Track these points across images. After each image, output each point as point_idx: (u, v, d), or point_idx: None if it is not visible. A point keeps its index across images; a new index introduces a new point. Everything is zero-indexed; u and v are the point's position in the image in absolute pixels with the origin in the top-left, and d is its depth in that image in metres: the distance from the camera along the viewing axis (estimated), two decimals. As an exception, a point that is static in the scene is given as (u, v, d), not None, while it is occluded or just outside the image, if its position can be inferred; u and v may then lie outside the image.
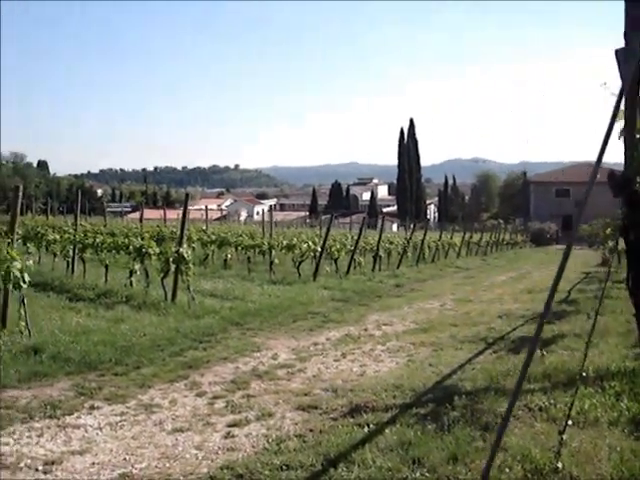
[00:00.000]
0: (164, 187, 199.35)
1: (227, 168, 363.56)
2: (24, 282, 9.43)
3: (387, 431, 6.06)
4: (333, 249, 21.53)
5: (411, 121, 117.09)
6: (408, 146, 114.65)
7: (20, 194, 10.10)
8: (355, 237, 24.92)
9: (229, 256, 21.71)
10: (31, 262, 9.78)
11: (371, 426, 6.24)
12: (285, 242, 20.83)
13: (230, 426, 6.44)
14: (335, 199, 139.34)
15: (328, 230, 20.89)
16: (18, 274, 9.36)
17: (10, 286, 9.52)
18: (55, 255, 18.03)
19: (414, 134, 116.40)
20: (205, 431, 6.30)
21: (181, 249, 13.13)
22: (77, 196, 17.25)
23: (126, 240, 15.15)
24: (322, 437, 5.98)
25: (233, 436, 6.15)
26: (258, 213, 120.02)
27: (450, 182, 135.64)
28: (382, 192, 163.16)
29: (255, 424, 6.52)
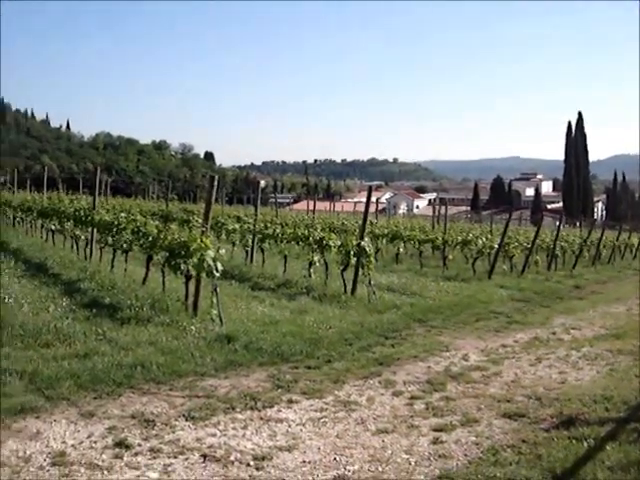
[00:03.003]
0: (323, 179, 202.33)
1: (385, 161, 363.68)
2: (217, 271, 9.56)
3: (609, 448, 5.59)
4: (511, 246, 20.83)
5: (579, 114, 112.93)
6: (576, 140, 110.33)
7: (215, 184, 10.23)
8: (522, 234, 24.03)
9: (401, 250, 21.44)
10: (223, 251, 9.89)
11: (589, 440, 5.78)
12: (460, 238, 20.34)
13: (436, 430, 6.15)
14: (496, 194, 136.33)
15: (506, 227, 20.25)
16: (211, 263, 9.51)
17: (203, 274, 9.69)
18: (234, 244, 18.42)
19: (582, 128, 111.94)
20: (411, 434, 6.05)
21: (362, 242, 12.99)
22: (257, 187, 17.54)
23: (306, 231, 15.20)
24: (539, 450, 5.59)
25: (442, 442, 5.86)
26: (418, 207, 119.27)
27: (619, 179, 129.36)
28: (546, 188, 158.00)
29: (462, 430, 6.20)
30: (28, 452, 5.21)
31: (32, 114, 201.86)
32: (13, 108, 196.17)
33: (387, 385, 7.66)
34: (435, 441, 5.87)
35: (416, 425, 6.30)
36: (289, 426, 6.14)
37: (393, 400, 7.12)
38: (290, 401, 6.86)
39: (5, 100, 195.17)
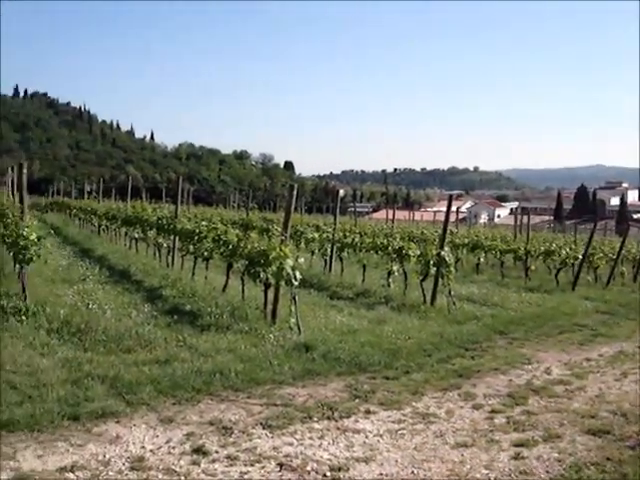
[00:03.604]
0: (403, 188, 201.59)
1: (466, 170, 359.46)
2: (295, 279, 9.57)
3: None
4: (595, 257, 20.27)
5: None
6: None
7: (294, 193, 10.26)
8: (606, 244, 23.33)
9: (481, 260, 21.12)
10: (302, 260, 9.90)
11: (680, 462, 5.53)
12: (542, 248, 19.90)
13: (517, 446, 5.97)
14: (580, 203, 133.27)
15: (591, 237, 19.69)
16: (290, 271, 9.53)
17: (282, 283, 9.72)
18: (313, 253, 18.47)
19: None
20: (491, 449, 5.89)
21: (442, 252, 12.83)
22: (336, 196, 17.55)
23: (385, 241, 15.12)
24: (624, 468, 5.39)
25: (523, 457, 5.68)
26: (499, 216, 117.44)
27: None
28: (632, 197, 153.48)
29: (543, 446, 6.01)
30: (108, 456, 5.29)
31: (117, 125, 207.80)
32: (99, 119, 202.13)
33: (467, 398, 7.50)
34: (516, 457, 5.71)
35: (496, 440, 6.14)
36: (366, 437, 6.07)
37: (473, 413, 6.97)
38: (368, 412, 6.79)
39: (92, 111, 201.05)
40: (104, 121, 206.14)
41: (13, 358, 7.42)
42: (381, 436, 6.11)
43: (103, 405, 6.30)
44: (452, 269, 12.99)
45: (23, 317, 9.40)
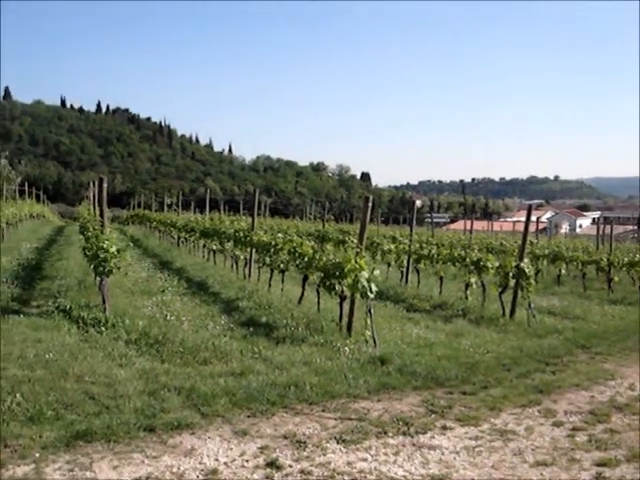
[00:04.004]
0: (481, 198, 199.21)
1: (546, 179, 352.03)
2: (371, 292, 9.49)
3: None
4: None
5: None
6: None
7: (370, 205, 10.19)
8: None
9: (562, 271, 20.61)
10: (378, 272, 9.81)
11: None
12: (626, 259, 19.30)
13: (599, 465, 5.74)
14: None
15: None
16: (365, 284, 9.45)
17: (358, 295, 9.65)
18: (389, 265, 18.35)
19: None
20: (571, 468, 5.68)
21: (522, 263, 12.56)
22: (412, 207, 17.40)
23: (463, 252, 14.90)
24: None
25: (605, 477, 5.47)
26: (581, 226, 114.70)
27: None
28: None
29: (627, 466, 5.76)
30: (182, 468, 5.31)
31: (197, 139, 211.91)
32: (179, 134, 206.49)
33: (547, 414, 7.27)
34: (598, 476, 5.49)
35: (577, 459, 5.91)
36: (442, 454, 5.94)
37: (553, 431, 6.74)
38: (444, 427, 6.65)
39: (172, 126, 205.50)
40: (183, 135, 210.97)
41: (92, 369, 7.54)
42: (458, 453, 5.97)
43: (178, 416, 6.35)
44: (532, 281, 12.68)
45: (103, 328, 9.60)
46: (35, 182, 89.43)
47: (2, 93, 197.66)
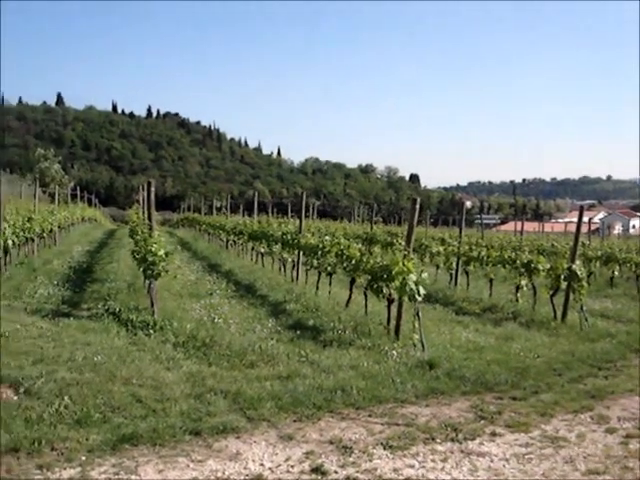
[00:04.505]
0: (532, 199, 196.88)
1: (598, 179, 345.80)
2: (419, 295, 9.38)
3: None
4: None
5: None
6: None
7: (417, 207, 10.09)
8: None
9: (615, 273, 20.17)
10: (426, 275, 9.69)
11: None
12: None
13: (653, 473, 5.57)
14: None
15: None
16: (413, 286, 9.35)
17: (405, 298, 9.55)
18: (437, 267, 18.18)
19: None
20: (625, 477, 5.52)
21: (574, 265, 12.31)
22: (462, 208, 17.23)
23: (513, 254, 14.68)
24: None
25: (662, 487, 5.29)
26: (634, 227, 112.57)
27: None
28: None
29: (682, 474, 5.58)
30: (227, 473, 5.28)
31: (246, 142, 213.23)
32: (228, 137, 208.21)
33: (599, 421, 7.08)
34: (654, 485, 5.32)
35: (630, 467, 5.73)
36: (491, 461, 5.81)
37: (606, 438, 6.56)
38: (493, 434, 6.51)
39: (221, 130, 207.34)
40: (233, 139, 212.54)
41: (140, 371, 7.58)
42: (507, 460, 5.84)
43: (224, 420, 6.33)
44: (584, 283, 12.41)
45: (151, 331, 9.67)
46: (87, 186, 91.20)
47: (55, 99, 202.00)
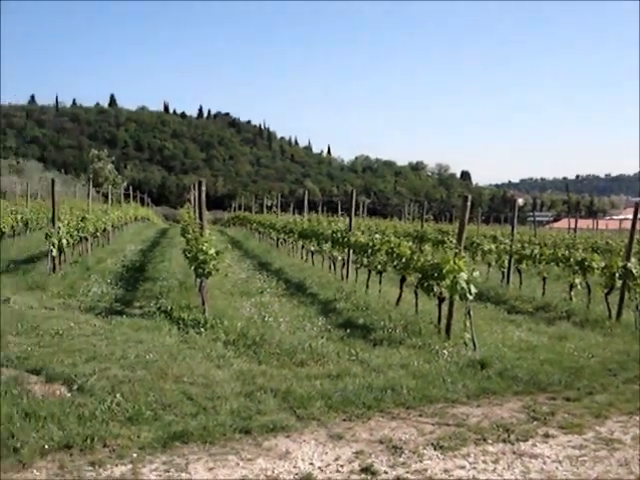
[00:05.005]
0: (586, 196, 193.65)
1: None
2: (470, 293, 9.29)
3: None
4: None
5: None
6: None
7: (468, 204, 9.99)
8: None
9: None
10: (477, 273, 9.59)
11: None
12: None
13: None
14: None
15: None
16: (464, 285, 9.26)
17: (456, 297, 9.47)
18: (489, 265, 17.99)
19: None
20: (683, 481, 5.38)
21: (629, 263, 12.06)
22: (514, 206, 17.01)
23: (567, 252, 14.45)
24: None
25: None
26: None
27: None
28: None
29: None
30: (276, 472, 5.28)
31: (296, 141, 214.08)
32: (278, 136, 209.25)
33: (656, 423, 6.92)
34: None
35: (689, 471, 5.60)
36: (544, 463, 5.71)
37: (663, 440, 6.41)
38: (546, 435, 6.40)
39: (271, 129, 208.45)
40: (283, 137, 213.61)
41: (191, 369, 7.64)
42: (560, 462, 5.73)
43: (274, 419, 6.34)
44: (640, 282, 12.16)
45: (202, 329, 9.74)
46: (140, 186, 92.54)
47: (108, 101, 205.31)
